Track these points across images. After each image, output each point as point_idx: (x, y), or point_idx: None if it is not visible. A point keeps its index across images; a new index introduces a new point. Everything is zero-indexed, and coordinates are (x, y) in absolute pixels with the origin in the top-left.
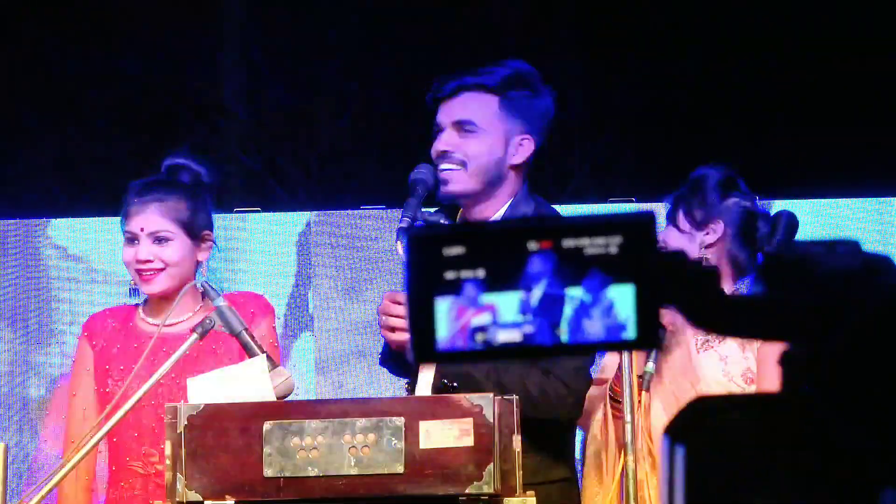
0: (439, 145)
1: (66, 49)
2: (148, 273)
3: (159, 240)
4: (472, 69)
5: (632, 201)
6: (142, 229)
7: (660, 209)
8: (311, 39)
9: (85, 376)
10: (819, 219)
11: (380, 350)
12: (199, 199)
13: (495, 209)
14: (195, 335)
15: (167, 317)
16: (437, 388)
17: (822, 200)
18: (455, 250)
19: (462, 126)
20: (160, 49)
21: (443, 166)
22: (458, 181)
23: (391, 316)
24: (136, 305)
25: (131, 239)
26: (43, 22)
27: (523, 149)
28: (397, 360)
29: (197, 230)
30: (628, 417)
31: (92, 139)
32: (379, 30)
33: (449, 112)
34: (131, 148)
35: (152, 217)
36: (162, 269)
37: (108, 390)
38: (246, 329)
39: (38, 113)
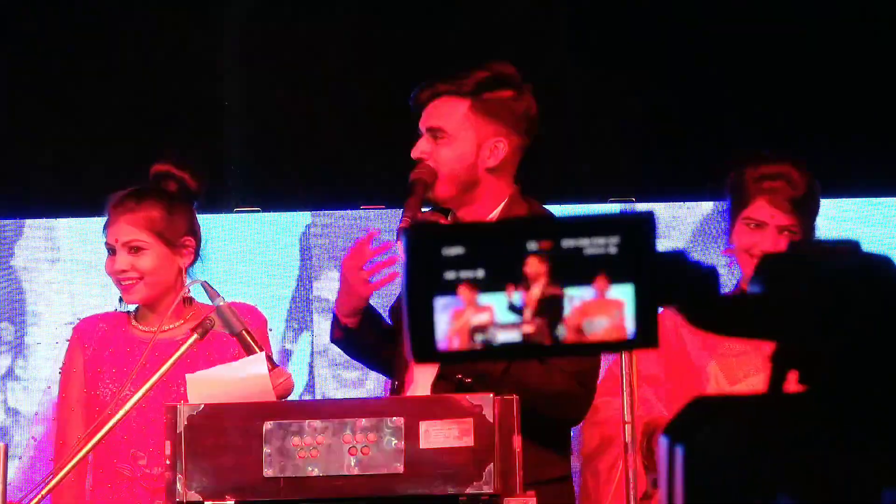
0: (413, 152)
1: (66, 49)
2: (127, 283)
3: (133, 249)
4: (449, 74)
5: (632, 201)
6: (116, 240)
7: (660, 209)
8: (311, 40)
9: (74, 378)
10: (819, 219)
11: (329, 327)
12: (176, 205)
13: (486, 213)
14: (195, 335)
15: (163, 322)
16: (454, 383)
17: (823, 200)
18: (455, 250)
19: (433, 133)
20: (160, 49)
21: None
22: (433, 187)
23: (363, 263)
24: (128, 313)
25: (111, 250)
26: (43, 22)
27: (498, 151)
28: (361, 336)
29: (173, 237)
30: (628, 417)
31: (92, 139)
32: (378, 30)
33: (424, 119)
34: (131, 148)
35: (125, 227)
36: (140, 279)
37: (98, 393)
38: (246, 329)
39: (38, 113)
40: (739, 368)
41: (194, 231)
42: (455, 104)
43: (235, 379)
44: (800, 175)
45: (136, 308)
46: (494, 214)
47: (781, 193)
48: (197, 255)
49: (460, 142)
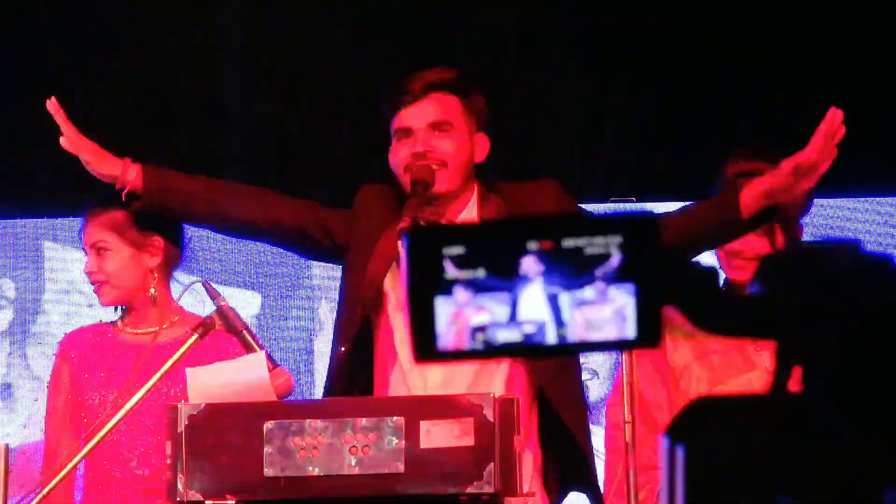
0: (417, 146)
1: (66, 49)
2: (95, 285)
3: (99, 251)
4: (422, 70)
5: (632, 201)
6: (85, 242)
7: (659, 209)
8: (311, 39)
9: (61, 388)
10: (819, 219)
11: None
12: None
13: (461, 207)
14: (196, 335)
15: (163, 324)
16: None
17: (822, 200)
18: (455, 250)
19: (438, 126)
20: (160, 49)
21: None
22: (441, 180)
23: None
24: (112, 322)
25: (85, 253)
26: (43, 22)
27: (481, 147)
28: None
29: (138, 237)
30: (628, 417)
31: (92, 139)
32: (378, 30)
33: (422, 113)
34: (131, 148)
35: (90, 229)
36: (106, 281)
37: (86, 398)
38: (247, 328)
39: (39, 113)
40: (722, 370)
41: (165, 231)
42: (451, 99)
43: (235, 376)
44: None
45: (121, 315)
46: (470, 209)
47: None
48: (174, 256)
49: (462, 135)
